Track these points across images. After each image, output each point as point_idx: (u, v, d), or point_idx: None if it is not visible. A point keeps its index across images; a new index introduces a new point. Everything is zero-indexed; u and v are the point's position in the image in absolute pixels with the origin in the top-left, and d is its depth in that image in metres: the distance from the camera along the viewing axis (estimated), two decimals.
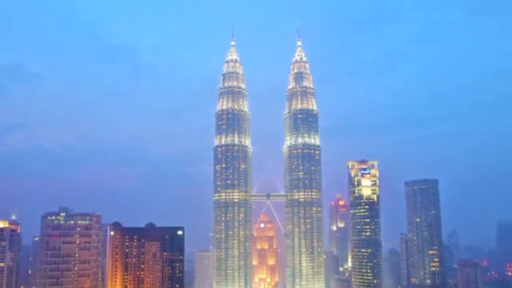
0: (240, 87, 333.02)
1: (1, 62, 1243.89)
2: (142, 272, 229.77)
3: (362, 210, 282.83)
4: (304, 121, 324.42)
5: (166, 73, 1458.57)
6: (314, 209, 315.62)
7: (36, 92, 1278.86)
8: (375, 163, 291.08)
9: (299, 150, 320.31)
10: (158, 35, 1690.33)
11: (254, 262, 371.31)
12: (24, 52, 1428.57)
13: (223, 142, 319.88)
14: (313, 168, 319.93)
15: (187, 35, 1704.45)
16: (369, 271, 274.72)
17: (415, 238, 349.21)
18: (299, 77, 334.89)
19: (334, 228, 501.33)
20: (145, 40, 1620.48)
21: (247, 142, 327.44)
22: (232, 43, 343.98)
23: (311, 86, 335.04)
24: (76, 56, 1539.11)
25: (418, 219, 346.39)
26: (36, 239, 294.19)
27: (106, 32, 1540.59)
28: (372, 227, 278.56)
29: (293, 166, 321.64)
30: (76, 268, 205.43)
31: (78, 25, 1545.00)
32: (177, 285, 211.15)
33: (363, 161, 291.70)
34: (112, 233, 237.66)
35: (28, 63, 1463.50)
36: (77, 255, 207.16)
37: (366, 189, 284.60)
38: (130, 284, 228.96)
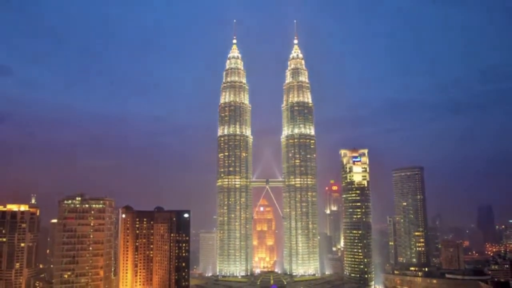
0: (241, 82, 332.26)
1: None
2: (151, 252, 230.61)
3: (354, 195, 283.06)
4: (300, 113, 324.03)
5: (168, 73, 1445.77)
6: (309, 193, 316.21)
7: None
8: (366, 151, 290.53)
9: (296, 140, 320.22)
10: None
11: (254, 243, 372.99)
12: None
13: (225, 132, 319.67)
14: (308, 156, 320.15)
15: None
16: (360, 250, 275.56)
17: (402, 220, 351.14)
18: (295, 72, 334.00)
19: (328, 211, 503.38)
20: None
21: (248, 132, 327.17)
22: (234, 41, 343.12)
23: (307, 80, 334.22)
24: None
25: (405, 203, 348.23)
26: (54, 221, 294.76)
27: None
28: (363, 210, 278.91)
29: (290, 154, 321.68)
30: (90, 248, 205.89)
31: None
32: (183, 264, 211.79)
33: (354, 150, 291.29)
34: (123, 215, 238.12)
35: None
36: (91, 236, 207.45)
37: (357, 175, 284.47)
38: (140, 262, 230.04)
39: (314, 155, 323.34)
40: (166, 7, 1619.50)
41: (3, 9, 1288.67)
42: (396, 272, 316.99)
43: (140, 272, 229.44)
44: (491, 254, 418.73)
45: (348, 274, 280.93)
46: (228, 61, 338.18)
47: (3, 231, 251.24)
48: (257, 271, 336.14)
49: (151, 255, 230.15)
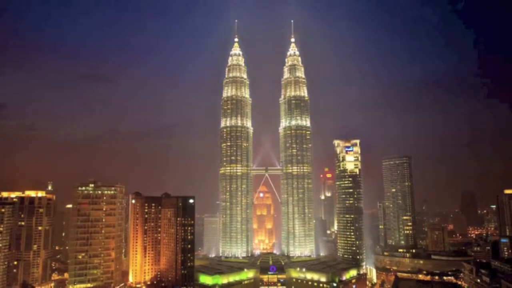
0: (242, 77, 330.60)
1: None
2: (159, 235, 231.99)
3: (346, 182, 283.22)
4: (297, 106, 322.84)
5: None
6: (305, 181, 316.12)
7: None
8: (357, 141, 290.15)
9: (293, 131, 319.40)
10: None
11: (255, 226, 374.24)
12: None
13: (227, 124, 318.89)
14: (304, 146, 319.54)
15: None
16: (352, 233, 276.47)
17: (391, 205, 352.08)
18: (292, 68, 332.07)
19: (323, 197, 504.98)
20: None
21: (248, 124, 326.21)
22: (236, 39, 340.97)
23: (303, 76, 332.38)
24: None
25: (394, 189, 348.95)
26: (69, 206, 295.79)
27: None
28: (355, 196, 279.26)
29: (288, 144, 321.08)
30: (103, 231, 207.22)
31: None
32: (189, 246, 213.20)
33: (347, 140, 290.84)
34: (133, 201, 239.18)
35: None
36: (103, 220, 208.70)
37: (350, 163, 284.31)
38: (148, 245, 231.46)
39: (310, 145, 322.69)
40: (169, 9, 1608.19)
41: None
42: (385, 253, 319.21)
43: (148, 253, 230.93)
44: (474, 237, 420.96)
45: (341, 255, 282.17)
46: (230, 58, 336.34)
47: (22, 215, 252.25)
48: (257, 252, 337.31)
49: (159, 237, 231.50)
